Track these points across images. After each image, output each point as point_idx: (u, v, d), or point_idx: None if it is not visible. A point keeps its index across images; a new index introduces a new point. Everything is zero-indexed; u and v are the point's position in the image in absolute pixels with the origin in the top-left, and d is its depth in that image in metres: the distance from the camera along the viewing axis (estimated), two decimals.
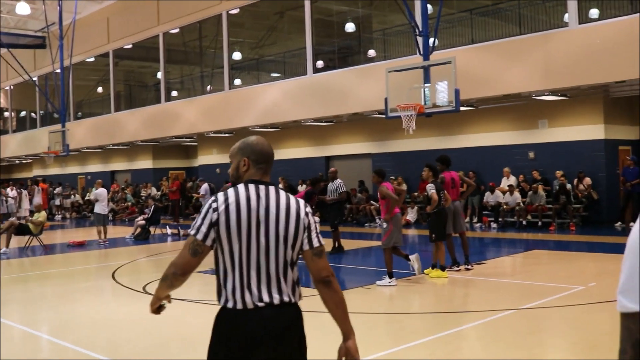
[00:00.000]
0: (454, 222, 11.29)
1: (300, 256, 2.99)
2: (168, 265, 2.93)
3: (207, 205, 2.90)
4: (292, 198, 3.00)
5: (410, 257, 10.46)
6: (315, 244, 2.99)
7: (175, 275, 2.90)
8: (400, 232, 10.29)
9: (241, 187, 2.96)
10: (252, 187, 2.96)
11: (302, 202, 3.03)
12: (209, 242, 2.87)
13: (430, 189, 10.70)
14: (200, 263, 2.91)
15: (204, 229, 2.87)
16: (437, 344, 6.61)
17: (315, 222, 3.04)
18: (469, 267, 11.26)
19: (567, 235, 16.43)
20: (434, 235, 10.71)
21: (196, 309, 8.86)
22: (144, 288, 10.37)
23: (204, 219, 2.88)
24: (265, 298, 2.85)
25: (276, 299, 2.86)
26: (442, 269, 10.68)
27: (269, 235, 2.88)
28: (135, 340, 7.25)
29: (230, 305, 2.86)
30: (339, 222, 15.02)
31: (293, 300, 2.93)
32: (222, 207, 2.87)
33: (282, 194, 3.00)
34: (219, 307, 2.93)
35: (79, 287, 11.31)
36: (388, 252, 10.08)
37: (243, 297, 2.84)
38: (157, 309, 3.12)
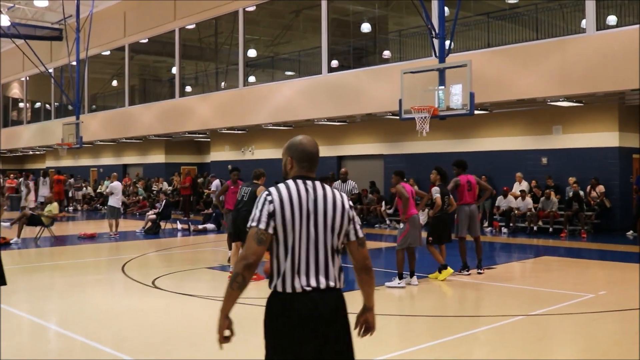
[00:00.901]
0: (470, 226, 11.22)
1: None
2: (235, 264, 3.12)
3: (262, 199, 3.17)
4: (336, 192, 3.27)
5: (413, 278, 10.14)
6: (360, 235, 3.33)
7: (247, 267, 3.08)
8: (417, 233, 10.15)
9: (290, 182, 3.24)
10: (299, 182, 3.24)
11: (344, 195, 3.31)
12: (270, 230, 3.10)
13: (436, 192, 10.63)
14: (265, 252, 3.12)
15: (264, 218, 3.10)
16: (445, 347, 6.59)
17: (356, 214, 3.30)
18: (481, 271, 11.20)
19: (578, 242, 16.31)
20: (430, 239, 10.66)
21: (204, 305, 8.87)
22: (153, 282, 10.41)
23: (261, 210, 3.12)
24: (313, 283, 3.13)
25: (322, 284, 3.15)
26: (445, 267, 10.58)
27: (317, 226, 3.16)
28: (142, 334, 7.27)
29: (280, 289, 3.12)
30: None
31: (337, 286, 3.23)
32: (277, 200, 3.12)
33: (327, 188, 3.26)
34: (270, 291, 3.18)
35: (88, 279, 11.37)
36: (400, 253, 10.02)
37: (293, 282, 3.11)
38: (225, 338, 3.17)
